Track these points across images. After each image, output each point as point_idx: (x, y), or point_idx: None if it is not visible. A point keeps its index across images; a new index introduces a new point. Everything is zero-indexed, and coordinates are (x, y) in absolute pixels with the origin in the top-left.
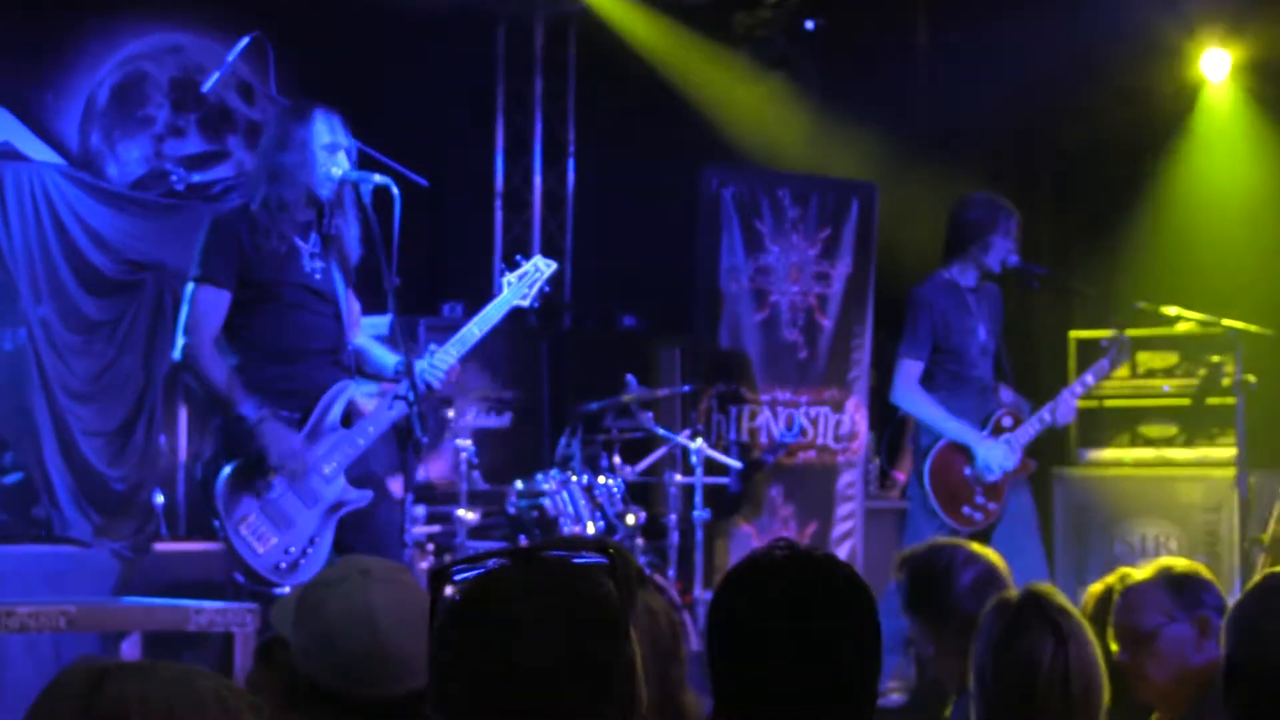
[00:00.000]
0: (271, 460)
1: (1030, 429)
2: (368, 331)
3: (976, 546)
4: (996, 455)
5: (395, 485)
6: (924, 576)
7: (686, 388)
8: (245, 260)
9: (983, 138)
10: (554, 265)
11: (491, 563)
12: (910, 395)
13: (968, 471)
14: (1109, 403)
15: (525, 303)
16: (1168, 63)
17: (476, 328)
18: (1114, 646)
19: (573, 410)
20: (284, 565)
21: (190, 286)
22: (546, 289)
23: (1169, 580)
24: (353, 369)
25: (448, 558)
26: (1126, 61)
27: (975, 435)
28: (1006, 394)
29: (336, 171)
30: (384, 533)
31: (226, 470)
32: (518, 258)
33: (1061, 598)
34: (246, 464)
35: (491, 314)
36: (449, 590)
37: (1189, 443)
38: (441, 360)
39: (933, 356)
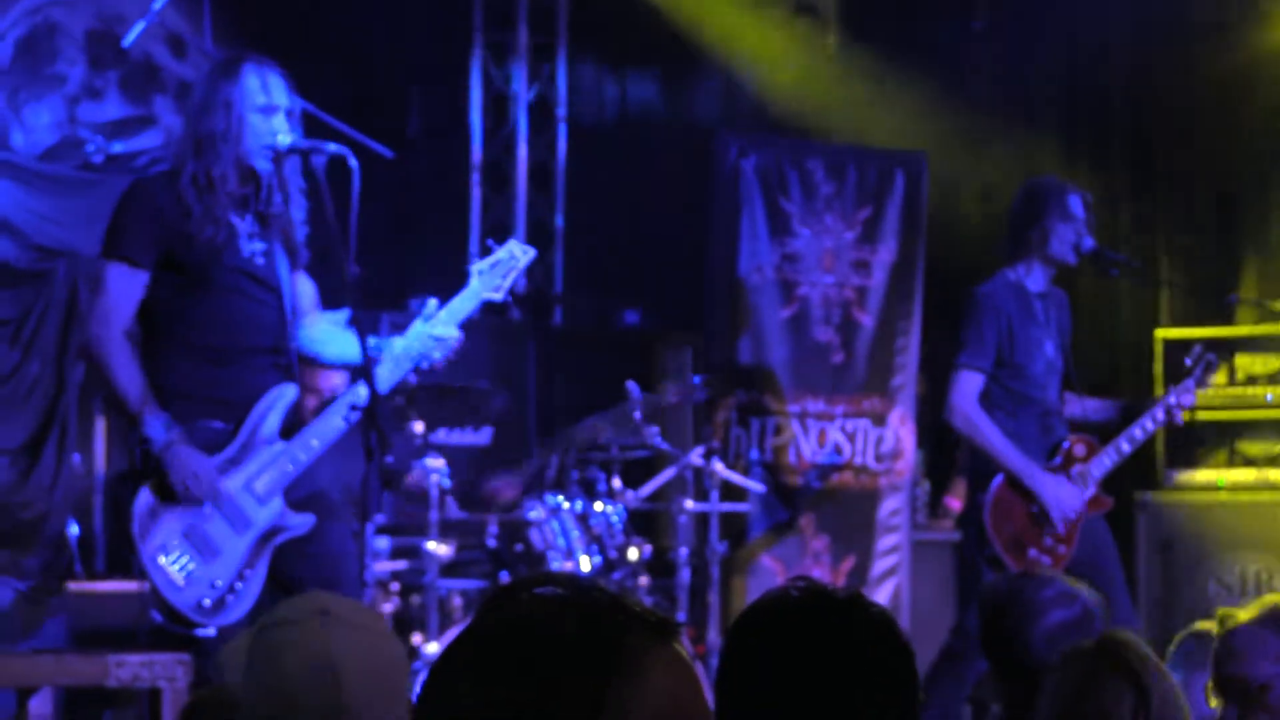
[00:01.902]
0: (175, 489)
1: (1106, 460)
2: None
3: (1072, 581)
4: (1066, 495)
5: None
6: (998, 615)
7: (699, 396)
8: (170, 237)
9: (1053, 99)
10: (532, 252)
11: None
12: (970, 414)
13: (1033, 510)
14: (1202, 415)
15: (498, 296)
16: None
17: (441, 328)
18: (1213, 701)
19: (564, 424)
20: (208, 602)
21: (101, 265)
22: (524, 280)
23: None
24: (296, 370)
25: (414, 599)
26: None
27: (1041, 473)
28: (1092, 402)
29: (280, 139)
30: (337, 566)
31: (145, 489)
32: (490, 242)
33: (1143, 647)
34: (168, 483)
35: (459, 309)
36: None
37: None
38: (396, 367)
39: (992, 372)
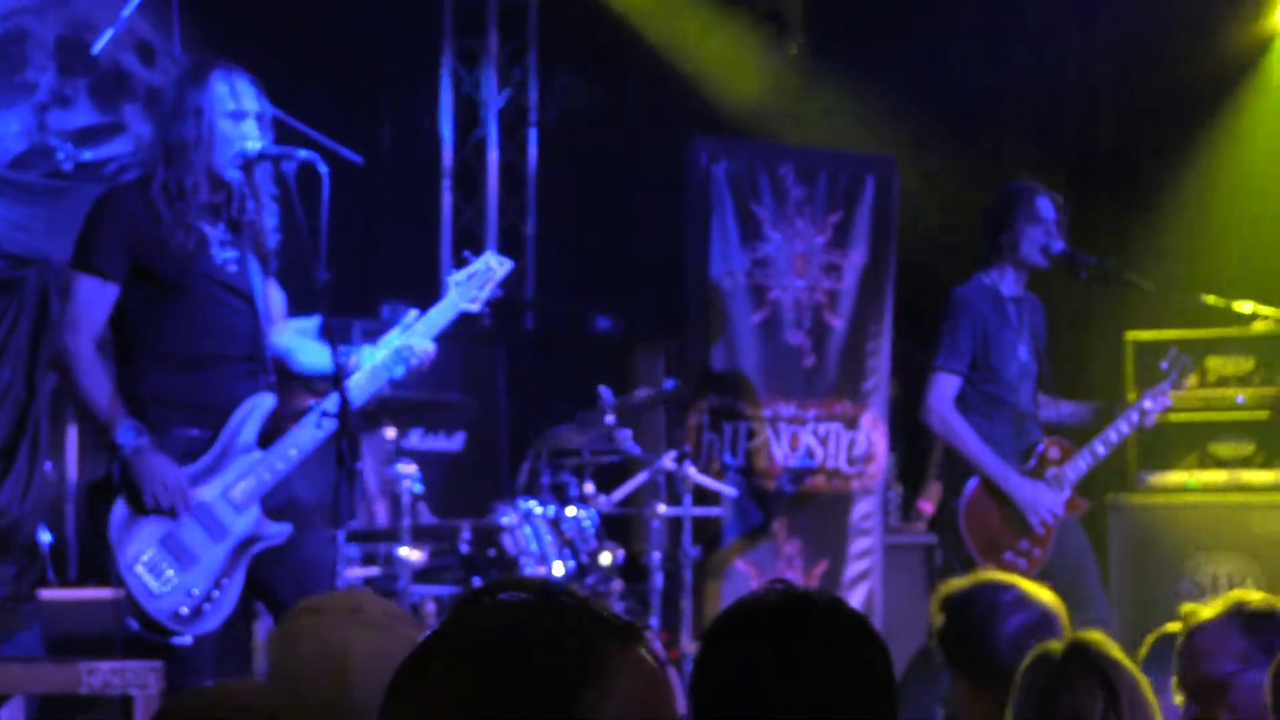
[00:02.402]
0: (145, 499)
1: (1081, 463)
2: (295, 331)
3: (1029, 585)
4: (1041, 498)
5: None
6: (962, 620)
7: (671, 398)
8: (141, 246)
9: (1025, 103)
10: (509, 264)
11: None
12: (947, 417)
13: (1008, 513)
14: (1174, 417)
15: (474, 307)
16: (1241, 11)
17: (416, 339)
18: (1178, 698)
19: (536, 429)
20: (185, 611)
21: (72, 276)
22: (499, 292)
23: (1243, 619)
24: (271, 378)
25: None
26: (1192, 15)
27: (1016, 476)
28: (1066, 405)
29: (250, 145)
30: (312, 573)
31: (122, 497)
32: (466, 253)
33: (1113, 647)
34: (135, 494)
35: (435, 320)
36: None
37: (1268, 463)
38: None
39: (967, 374)
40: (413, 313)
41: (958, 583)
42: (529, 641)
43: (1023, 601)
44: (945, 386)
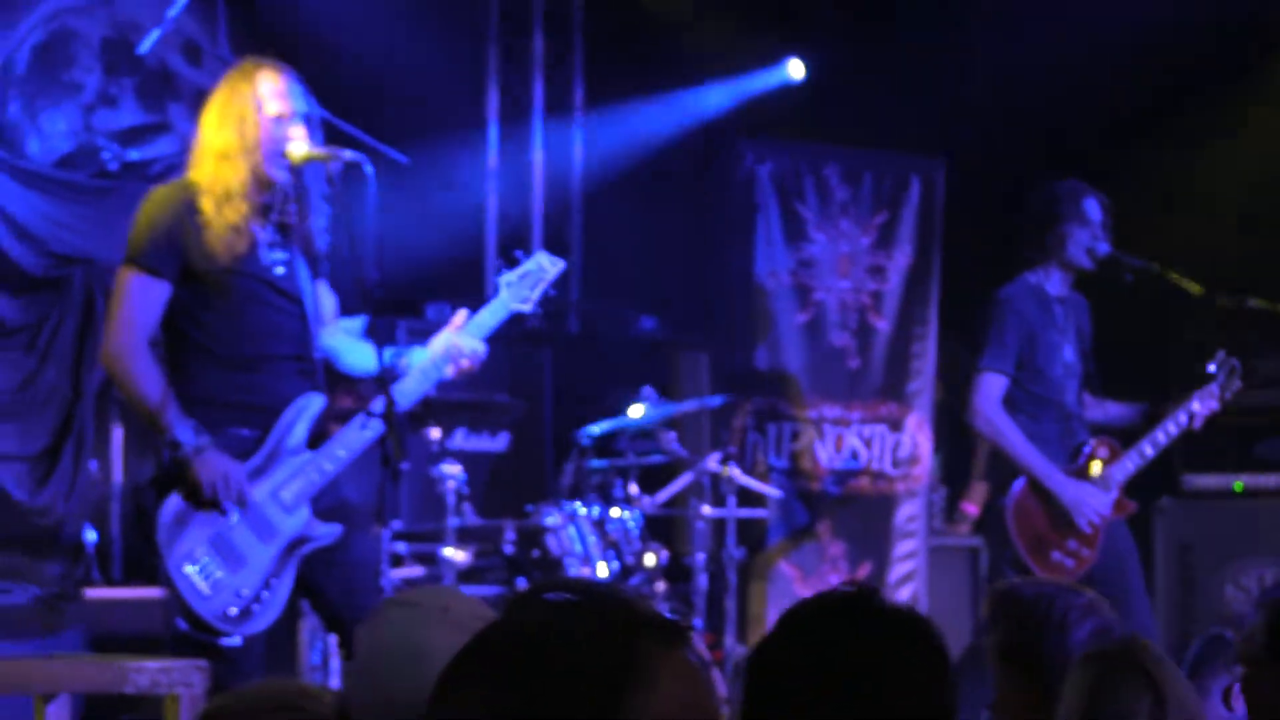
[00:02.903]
0: (205, 493)
1: (1129, 464)
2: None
3: (1091, 592)
4: (1088, 499)
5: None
6: (1030, 622)
7: (717, 401)
8: (190, 247)
9: (1072, 102)
10: (561, 264)
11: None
12: (993, 418)
13: (1056, 513)
14: (1219, 419)
15: (526, 307)
16: None
17: (466, 341)
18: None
19: (581, 430)
20: (234, 611)
21: (122, 274)
22: (551, 292)
23: None
24: (321, 379)
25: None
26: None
27: (1063, 476)
28: (1114, 407)
29: (294, 146)
30: (360, 574)
31: (171, 497)
32: (517, 253)
33: (1158, 650)
34: (194, 490)
35: (485, 321)
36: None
37: None
38: (420, 380)
39: (1014, 375)
40: (462, 312)
41: (1019, 583)
42: (574, 642)
43: (1094, 608)
44: (992, 387)
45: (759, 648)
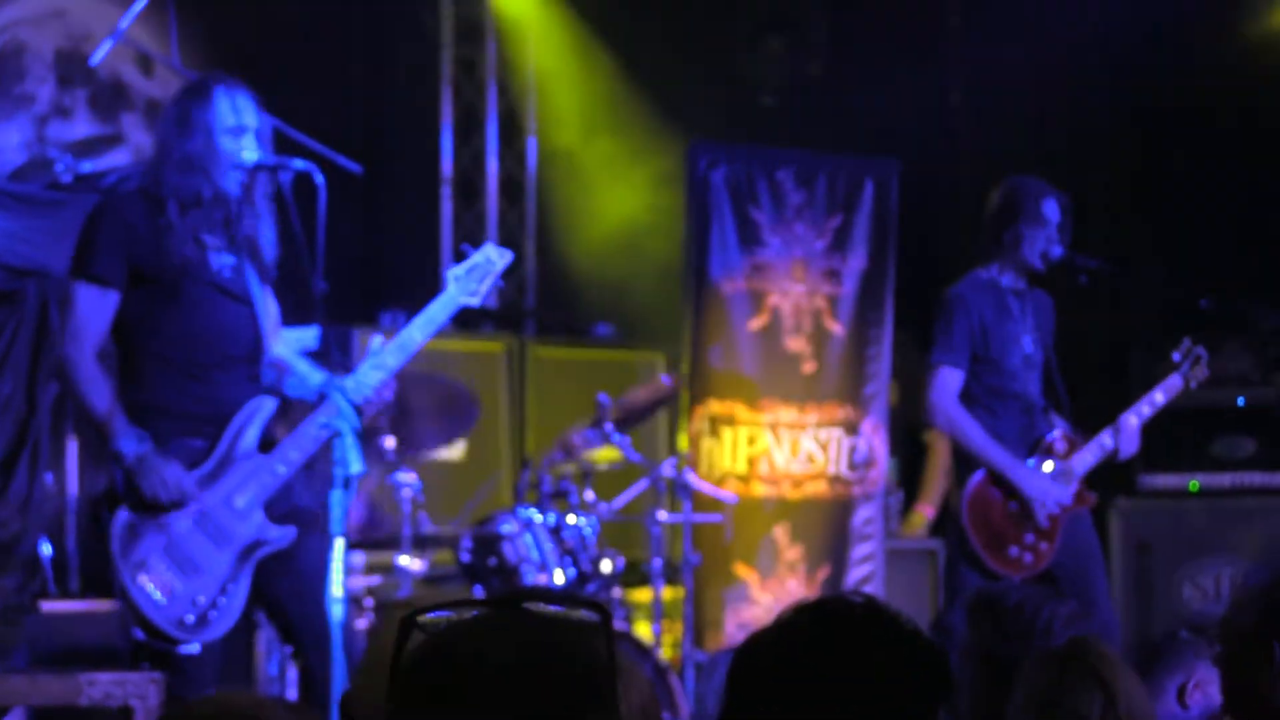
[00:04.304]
0: (147, 497)
1: (1089, 456)
2: (292, 345)
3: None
4: (1046, 489)
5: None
6: (1013, 628)
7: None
8: (140, 254)
9: (1027, 102)
10: (509, 255)
11: (472, 611)
12: (949, 411)
13: (1013, 506)
14: (1175, 418)
15: (475, 301)
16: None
17: (417, 333)
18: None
19: (537, 437)
20: (190, 619)
21: (70, 286)
22: (500, 284)
23: None
24: (272, 383)
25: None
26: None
27: (1021, 466)
28: (1060, 423)
29: (248, 156)
30: (314, 582)
31: (124, 506)
32: (464, 247)
33: (1108, 648)
34: (146, 499)
35: (435, 315)
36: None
37: (1272, 464)
38: (370, 374)
39: (969, 368)
40: (377, 339)
41: (1001, 588)
42: (563, 652)
43: (1078, 617)
44: (946, 381)
45: (748, 649)
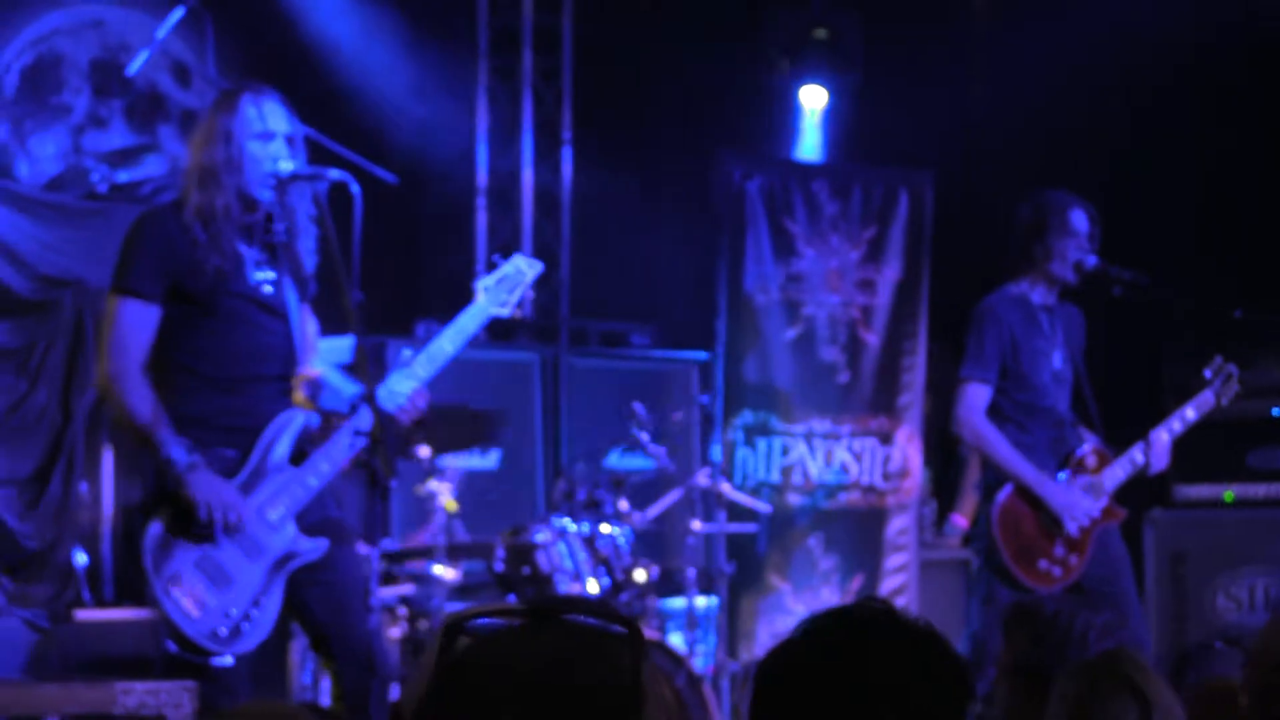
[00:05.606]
0: (200, 514)
1: (1119, 471)
2: (326, 358)
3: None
4: (1074, 502)
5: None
6: (1049, 639)
7: (703, 401)
8: (178, 268)
9: (1060, 116)
10: (539, 266)
11: (513, 621)
12: (978, 426)
13: (1044, 519)
14: (1210, 430)
15: (504, 311)
16: None
17: (447, 343)
18: None
19: (571, 446)
20: (223, 631)
21: (112, 300)
22: (530, 294)
23: None
24: (309, 398)
25: (422, 624)
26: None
27: (1051, 481)
28: (1090, 438)
29: (281, 165)
30: (347, 591)
31: (157, 519)
32: (495, 257)
33: (1143, 659)
34: (180, 512)
35: (465, 325)
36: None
37: None
38: (402, 383)
39: (999, 383)
40: (406, 352)
41: (1038, 599)
42: (589, 669)
43: (1112, 628)
44: (975, 396)
45: (775, 656)
